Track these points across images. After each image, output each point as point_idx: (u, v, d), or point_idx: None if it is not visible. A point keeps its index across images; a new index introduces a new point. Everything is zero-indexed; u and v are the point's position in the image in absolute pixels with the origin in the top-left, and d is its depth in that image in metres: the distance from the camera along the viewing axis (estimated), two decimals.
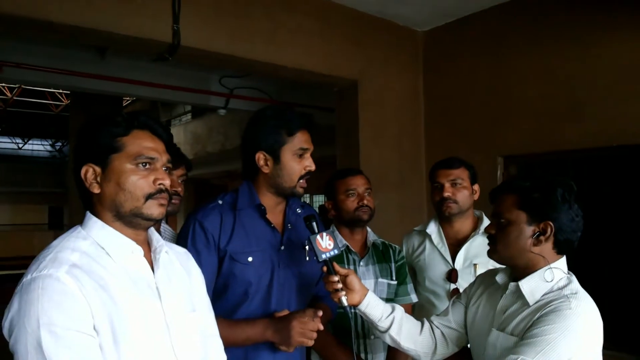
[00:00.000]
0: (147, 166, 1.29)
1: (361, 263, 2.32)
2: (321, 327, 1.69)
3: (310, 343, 1.67)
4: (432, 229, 2.57)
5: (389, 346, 2.30)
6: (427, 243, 2.57)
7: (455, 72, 4.38)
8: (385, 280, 2.33)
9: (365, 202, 2.30)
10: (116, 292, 1.19)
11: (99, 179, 1.27)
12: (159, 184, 1.29)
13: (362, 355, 2.24)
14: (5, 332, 1.13)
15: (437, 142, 4.53)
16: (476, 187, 2.52)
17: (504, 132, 4.00)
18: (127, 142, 1.28)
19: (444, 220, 2.55)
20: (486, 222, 2.51)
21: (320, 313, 1.68)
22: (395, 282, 2.36)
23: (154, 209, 1.28)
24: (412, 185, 4.46)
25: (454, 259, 2.47)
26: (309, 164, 1.79)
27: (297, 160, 1.77)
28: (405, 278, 2.41)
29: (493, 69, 4.09)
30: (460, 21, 4.33)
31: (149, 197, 1.27)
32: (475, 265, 2.42)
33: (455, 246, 2.50)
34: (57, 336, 1.08)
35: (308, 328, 1.65)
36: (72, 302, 1.11)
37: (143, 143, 1.29)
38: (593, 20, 3.51)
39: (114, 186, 1.26)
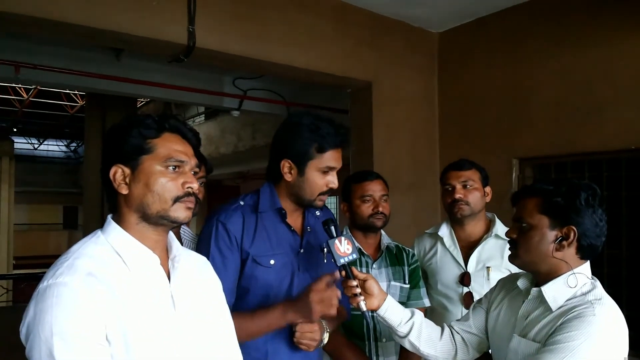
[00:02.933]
0: (177, 169, 1.29)
1: (374, 266, 2.31)
2: (339, 294, 1.61)
3: (334, 311, 1.60)
4: (444, 231, 2.54)
5: (400, 349, 2.29)
6: (439, 246, 2.54)
7: (470, 73, 4.33)
8: (397, 284, 2.32)
9: (380, 209, 2.28)
10: (130, 301, 1.18)
11: (127, 179, 1.26)
12: (188, 187, 1.28)
13: (374, 358, 2.23)
14: (22, 337, 1.14)
15: (451, 144, 4.48)
16: (488, 189, 2.50)
17: (520, 134, 3.95)
18: (158, 144, 1.28)
19: (456, 223, 2.52)
20: (499, 224, 2.48)
21: (337, 274, 1.62)
22: (407, 286, 2.35)
23: (180, 212, 1.28)
24: (426, 187, 4.42)
25: (466, 262, 2.44)
26: (331, 180, 1.75)
27: (320, 176, 1.74)
28: (418, 282, 2.39)
29: (509, 71, 4.03)
30: (476, 22, 4.27)
31: (177, 199, 1.27)
32: (488, 268, 2.40)
33: (467, 249, 2.48)
34: (69, 345, 1.08)
35: (327, 295, 1.59)
36: (85, 312, 1.11)
37: (173, 146, 1.29)
38: (611, 21, 3.45)
39: (143, 187, 1.25)
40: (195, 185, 1.30)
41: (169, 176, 1.27)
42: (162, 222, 1.28)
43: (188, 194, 1.29)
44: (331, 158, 1.74)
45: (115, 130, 1.31)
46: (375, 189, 2.31)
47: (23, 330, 1.13)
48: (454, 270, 2.46)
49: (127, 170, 1.26)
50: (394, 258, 2.37)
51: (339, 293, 1.61)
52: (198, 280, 1.40)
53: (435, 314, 2.48)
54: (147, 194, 1.25)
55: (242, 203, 1.79)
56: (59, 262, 1.19)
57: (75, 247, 1.23)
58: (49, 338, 1.08)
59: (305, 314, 1.61)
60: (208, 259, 1.59)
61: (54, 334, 1.08)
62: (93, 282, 1.14)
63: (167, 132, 1.30)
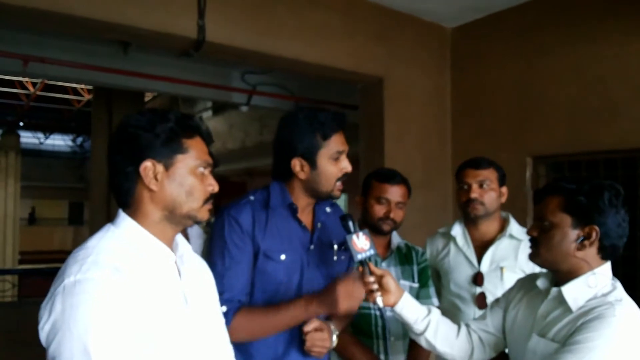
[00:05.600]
0: (205, 171, 1.31)
1: (383, 264, 2.28)
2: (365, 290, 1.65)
3: (356, 306, 1.63)
4: (457, 231, 2.50)
5: (409, 348, 2.29)
6: (452, 245, 2.51)
7: (483, 69, 4.28)
8: (407, 283, 2.30)
9: (392, 215, 2.23)
10: (149, 296, 1.18)
11: (159, 176, 1.25)
12: (211, 190, 1.31)
13: (382, 357, 2.21)
14: (43, 335, 1.11)
15: (463, 141, 4.43)
16: (504, 189, 2.44)
17: (533, 132, 3.90)
18: (192, 146, 1.29)
19: (470, 222, 2.48)
20: (513, 224, 2.44)
21: (359, 270, 1.64)
22: (417, 285, 2.33)
23: (205, 214, 1.31)
24: (438, 185, 4.39)
25: (479, 261, 2.40)
26: (345, 165, 1.76)
27: (333, 164, 1.74)
28: (427, 281, 2.36)
29: (523, 67, 3.98)
30: (489, 17, 4.22)
31: (206, 201, 1.30)
32: (502, 268, 2.35)
33: (481, 249, 2.43)
34: (106, 341, 1.08)
35: (354, 289, 1.62)
36: (118, 307, 1.11)
37: (203, 148, 1.32)
38: (626, 18, 3.41)
39: (177, 187, 1.26)
40: (217, 188, 1.33)
41: (200, 178, 1.29)
42: (185, 222, 1.30)
43: (211, 196, 1.32)
44: (337, 142, 1.75)
45: (146, 123, 1.26)
46: (393, 193, 2.24)
47: (46, 327, 1.10)
48: (467, 270, 2.43)
49: (160, 167, 1.25)
50: (404, 257, 2.35)
51: (364, 290, 1.63)
52: (202, 277, 1.43)
53: (447, 315, 2.41)
54: (181, 193, 1.26)
55: (252, 198, 1.78)
56: (79, 257, 1.16)
57: (93, 242, 1.21)
58: (82, 334, 1.06)
59: (330, 306, 1.62)
60: (224, 251, 1.66)
61: (88, 330, 1.06)
62: (121, 278, 1.14)
63: (197, 134, 1.31)
